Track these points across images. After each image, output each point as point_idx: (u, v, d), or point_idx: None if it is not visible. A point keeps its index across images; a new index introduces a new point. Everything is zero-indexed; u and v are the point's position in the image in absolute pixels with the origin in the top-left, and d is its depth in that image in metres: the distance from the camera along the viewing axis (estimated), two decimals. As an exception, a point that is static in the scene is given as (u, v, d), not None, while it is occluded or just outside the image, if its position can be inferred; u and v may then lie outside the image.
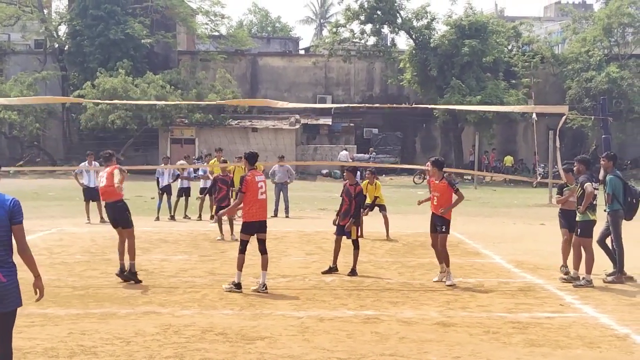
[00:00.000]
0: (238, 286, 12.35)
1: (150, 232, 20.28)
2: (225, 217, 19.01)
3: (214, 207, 20.59)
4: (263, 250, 12.51)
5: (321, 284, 13.04)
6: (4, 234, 6.46)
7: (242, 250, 12.47)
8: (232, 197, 19.04)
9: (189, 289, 12.42)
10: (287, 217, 25.08)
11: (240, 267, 12.41)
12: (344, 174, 15.35)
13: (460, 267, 14.98)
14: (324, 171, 50.94)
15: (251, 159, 12.96)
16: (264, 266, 12.46)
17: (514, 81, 50.93)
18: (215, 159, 23.82)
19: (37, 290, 6.71)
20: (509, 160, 53.36)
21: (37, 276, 6.72)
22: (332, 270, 14.27)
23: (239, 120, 53.04)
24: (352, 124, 55.48)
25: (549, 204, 31.19)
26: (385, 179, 46.44)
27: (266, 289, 12.28)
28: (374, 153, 50.68)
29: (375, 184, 19.92)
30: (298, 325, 9.98)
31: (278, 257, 16.09)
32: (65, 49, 57.01)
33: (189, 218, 23.82)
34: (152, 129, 51.28)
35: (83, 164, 23.57)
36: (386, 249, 17.62)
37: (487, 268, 15.07)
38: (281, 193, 25.56)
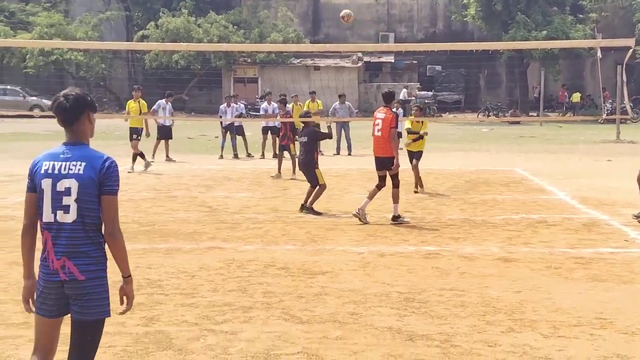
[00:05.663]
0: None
1: (214, 170, 20.59)
2: (287, 155, 19.06)
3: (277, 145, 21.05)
4: (393, 184, 12.91)
5: (382, 220, 13.04)
6: (87, 206, 4.54)
7: (378, 185, 13.11)
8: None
9: (252, 225, 12.58)
10: (349, 154, 25.14)
11: (371, 197, 13.00)
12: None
13: (523, 203, 14.88)
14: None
15: (387, 97, 13.33)
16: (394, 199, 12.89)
17: (581, 15, 49.61)
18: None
19: (125, 297, 4.83)
20: (576, 97, 52.19)
21: (126, 277, 4.84)
22: None
23: (301, 59, 52.87)
24: (415, 62, 54.80)
25: (616, 140, 30.58)
26: (449, 117, 46.04)
27: (395, 220, 12.78)
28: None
29: (423, 122, 17.53)
30: (359, 260, 10.05)
31: (340, 194, 16.19)
32: (129, -11, 57.31)
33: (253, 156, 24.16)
34: (215, 69, 51.51)
35: (161, 100, 23.33)
36: (448, 186, 17.53)
37: (551, 204, 14.91)
38: (342, 131, 25.57)
